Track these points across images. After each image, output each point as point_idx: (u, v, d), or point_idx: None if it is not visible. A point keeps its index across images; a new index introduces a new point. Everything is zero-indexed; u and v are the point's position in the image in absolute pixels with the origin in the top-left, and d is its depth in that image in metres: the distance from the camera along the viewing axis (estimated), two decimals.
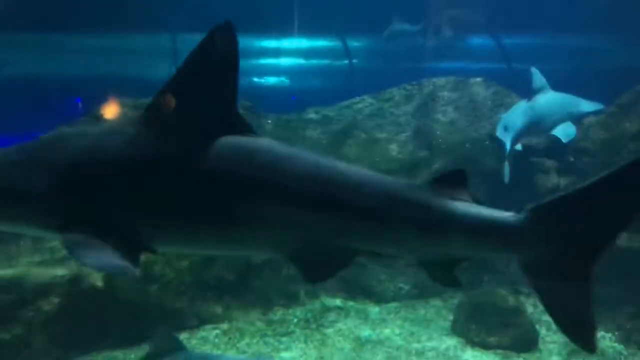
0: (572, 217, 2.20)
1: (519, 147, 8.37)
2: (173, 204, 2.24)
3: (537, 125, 8.29)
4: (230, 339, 6.49)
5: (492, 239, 2.30)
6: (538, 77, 8.41)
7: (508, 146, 8.01)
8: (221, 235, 2.33)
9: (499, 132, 8.36)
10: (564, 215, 2.21)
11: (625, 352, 6.41)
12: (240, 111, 8.20)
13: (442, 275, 2.42)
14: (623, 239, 6.84)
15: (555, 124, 8.14)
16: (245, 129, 2.37)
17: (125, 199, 2.24)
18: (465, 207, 2.27)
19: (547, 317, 7.14)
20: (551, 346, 6.58)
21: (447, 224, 2.25)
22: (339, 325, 7.01)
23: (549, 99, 8.30)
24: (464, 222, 2.25)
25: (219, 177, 2.22)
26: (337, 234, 2.25)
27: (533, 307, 7.46)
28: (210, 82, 2.30)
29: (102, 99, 8.69)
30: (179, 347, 4.22)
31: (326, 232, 2.24)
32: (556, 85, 8.72)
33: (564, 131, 7.99)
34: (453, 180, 2.34)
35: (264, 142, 2.37)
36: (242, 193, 2.22)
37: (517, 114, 8.37)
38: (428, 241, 2.32)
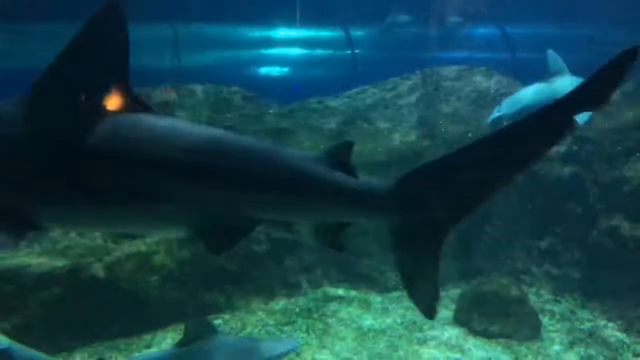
0: (433, 186, 2.30)
1: None
2: (55, 181, 2.22)
3: None
4: (232, 328, 6.49)
5: (364, 206, 2.42)
6: (555, 60, 8.31)
7: (495, 115, 8.13)
8: (113, 212, 2.33)
9: (498, 107, 8.41)
10: (426, 184, 2.32)
11: (627, 341, 6.39)
12: (242, 101, 8.14)
13: (330, 240, 2.53)
14: (626, 228, 6.81)
15: None
16: (140, 107, 2.35)
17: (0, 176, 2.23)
18: (343, 177, 2.38)
19: (549, 307, 7.19)
20: (553, 335, 6.56)
21: (327, 191, 2.37)
22: (341, 314, 7.01)
23: (566, 82, 8.23)
24: (341, 190, 2.37)
25: (108, 154, 2.20)
26: (237, 205, 2.32)
27: (535, 297, 7.46)
28: (98, 61, 2.28)
29: None
30: (212, 330, 4.31)
31: (226, 204, 2.31)
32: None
33: (582, 115, 7.91)
34: (341, 152, 2.44)
35: (158, 119, 2.36)
36: (135, 170, 2.22)
37: (528, 93, 8.32)
38: (313, 208, 2.45)
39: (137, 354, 5.70)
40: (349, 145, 2.44)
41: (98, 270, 6.02)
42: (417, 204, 2.33)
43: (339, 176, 2.37)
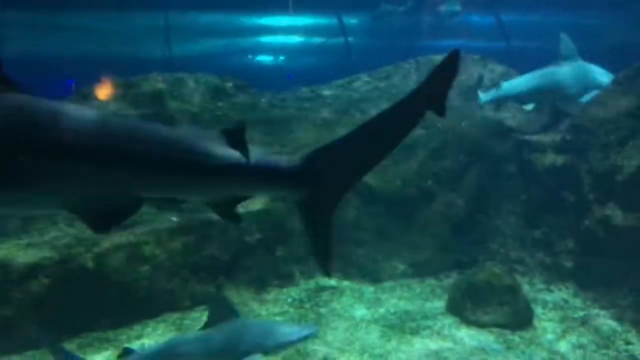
0: (330, 163, 2.59)
1: (530, 106, 8.32)
2: None
3: (561, 91, 8.22)
4: None
5: (268, 181, 2.62)
6: (567, 44, 8.28)
7: (488, 97, 8.40)
8: None
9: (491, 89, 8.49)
10: (325, 162, 2.59)
11: (619, 329, 6.39)
12: (234, 90, 8.00)
13: (225, 212, 2.69)
14: (619, 218, 6.79)
15: (581, 92, 8.07)
16: (8, 86, 2.24)
17: None
18: (244, 154, 2.49)
19: (542, 296, 7.18)
20: (546, 324, 6.56)
21: (228, 169, 2.47)
22: (334, 304, 6.98)
23: (578, 67, 8.21)
24: (243, 167, 2.48)
25: None
26: (118, 186, 2.30)
27: (529, 286, 7.45)
28: None
29: (95, 80, 8.60)
30: (234, 313, 4.37)
31: (106, 185, 2.28)
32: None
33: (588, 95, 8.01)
34: (235, 131, 2.53)
35: (34, 101, 2.26)
36: (7, 151, 2.12)
37: (535, 75, 8.33)
38: (211, 185, 2.53)
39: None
40: (243, 125, 2.55)
41: (87, 261, 5.96)
42: (318, 179, 2.60)
43: (237, 154, 2.47)
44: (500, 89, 8.49)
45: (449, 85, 2.39)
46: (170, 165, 2.36)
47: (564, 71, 8.22)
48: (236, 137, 2.49)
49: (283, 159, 2.61)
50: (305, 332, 4.51)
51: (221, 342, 4.13)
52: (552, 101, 8.52)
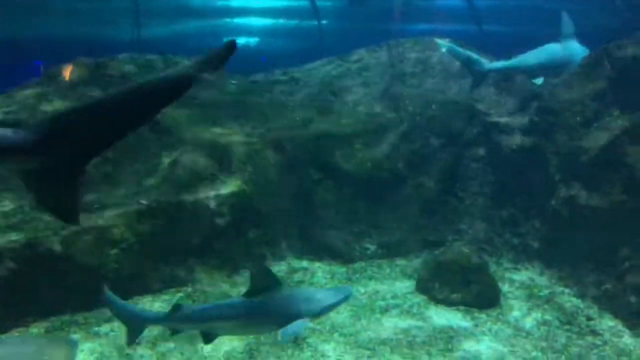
0: (68, 131, 2.46)
1: (539, 80, 8.44)
2: None
3: (563, 67, 8.36)
4: (194, 301, 6.44)
5: None
6: (567, 23, 8.43)
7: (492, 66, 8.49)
8: None
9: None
10: (62, 130, 2.45)
11: (582, 306, 6.58)
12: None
13: None
14: (583, 198, 6.94)
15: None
16: None
17: None
18: None
19: (509, 275, 7.33)
20: (512, 302, 6.72)
21: None
22: (305, 285, 7.03)
23: (576, 46, 8.37)
24: None
25: None
26: None
27: (496, 265, 7.61)
28: None
29: (63, 61, 8.45)
30: (277, 282, 4.35)
31: None
32: (529, 47, 8.72)
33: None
34: None
35: None
36: None
37: (542, 51, 8.48)
38: None
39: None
40: None
41: (54, 244, 5.89)
42: (48, 148, 2.44)
43: None
44: (511, 61, 8.65)
45: (222, 65, 2.45)
46: None
47: (566, 49, 8.40)
48: None
49: (4, 130, 2.43)
50: (344, 293, 4.61)
51: (270, 308, 4.21)
52: (556, 76, 8.70)
